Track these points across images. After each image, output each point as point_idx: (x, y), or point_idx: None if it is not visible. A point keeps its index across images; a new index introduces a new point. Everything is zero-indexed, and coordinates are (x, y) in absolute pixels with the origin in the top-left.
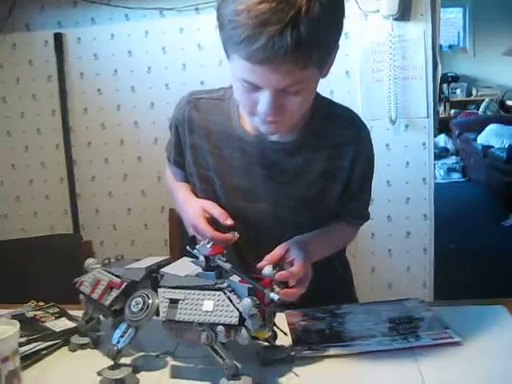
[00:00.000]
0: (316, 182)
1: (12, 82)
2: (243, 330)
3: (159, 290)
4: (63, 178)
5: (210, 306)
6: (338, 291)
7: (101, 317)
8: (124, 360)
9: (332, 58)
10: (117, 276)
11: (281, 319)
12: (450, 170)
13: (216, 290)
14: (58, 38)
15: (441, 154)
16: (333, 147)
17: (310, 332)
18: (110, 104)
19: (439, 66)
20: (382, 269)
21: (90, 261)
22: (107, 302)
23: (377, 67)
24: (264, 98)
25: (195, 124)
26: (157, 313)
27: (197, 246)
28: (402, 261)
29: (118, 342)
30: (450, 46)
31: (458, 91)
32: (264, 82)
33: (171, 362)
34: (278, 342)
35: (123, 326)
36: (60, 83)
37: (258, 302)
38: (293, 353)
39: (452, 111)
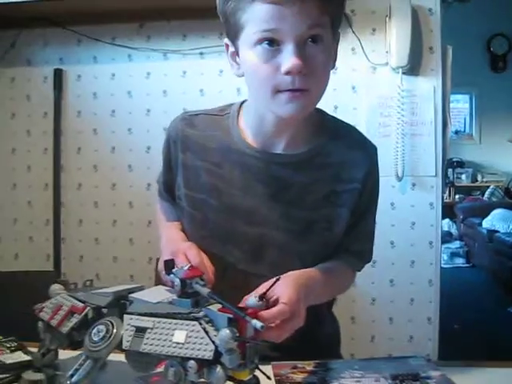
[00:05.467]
0: (322, 204)
1: (7, 117)
2: (218, 367)
3: (125, 316)
4: (49, 219)
5: (182, 338)
6: (324, 346)
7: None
8: None
9: (335, 45)
10: (81, 301)
11: (266, 371)
12: (453, 254)
13: (190, 319)
14: (58, 74)
15: (444, 238)
16: (342, 166)
17: None
18: (105, 145)
19: (449, 124)
20: (382, 338)
21: (55, 286)
22: (65, 329)
23: (384, 122)
24: (287, 53)
25: (190, 141)
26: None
27: (173, 270)
28: (405, 330)
29: (72, 376)
30: (456, 132)
31: (464, 177)
32: (285, 25)
33: None
34: None
35: (81, 358)
36: (55, 121)
37: (238, 335)
38: None
39: (457, 196)
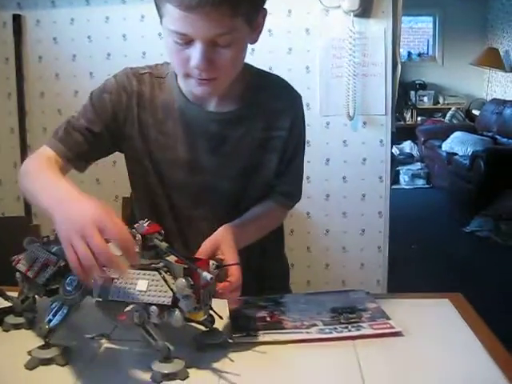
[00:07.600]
0: (255, 152)
1: None
2: (177, 311)
3: None
4: (17, 163)
5: (144, 286)
6: (271, 280)
7: (37, 297)
8: (58, 341)
9: (260, 20)
10: (54, 254)
11: (222, 305)
12: (414, 176)
13: (151, 269)
14: (17, 20)
15: (406, 160)
16: (270, 116)
17: (250, 319)
18: (68, 90)
19: (399, 65)
20: (336, 265)
21: (29, 239)
22: (42, 280)
23: (337, 63)
24: (195, 51)
25: (143, 98)
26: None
27: (135, 225)
28: (357, 258)
29: (50, 321)
30: (420, 54)
31: (426, 99)
32: (195, 30)
33: (106, 344)
34: (216, 328)
35: (56, 305)
36: (17, 66)
37: (192, 283)
38: (229, 338)
39: (419, 118)
